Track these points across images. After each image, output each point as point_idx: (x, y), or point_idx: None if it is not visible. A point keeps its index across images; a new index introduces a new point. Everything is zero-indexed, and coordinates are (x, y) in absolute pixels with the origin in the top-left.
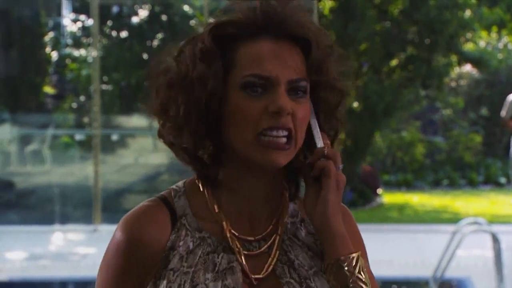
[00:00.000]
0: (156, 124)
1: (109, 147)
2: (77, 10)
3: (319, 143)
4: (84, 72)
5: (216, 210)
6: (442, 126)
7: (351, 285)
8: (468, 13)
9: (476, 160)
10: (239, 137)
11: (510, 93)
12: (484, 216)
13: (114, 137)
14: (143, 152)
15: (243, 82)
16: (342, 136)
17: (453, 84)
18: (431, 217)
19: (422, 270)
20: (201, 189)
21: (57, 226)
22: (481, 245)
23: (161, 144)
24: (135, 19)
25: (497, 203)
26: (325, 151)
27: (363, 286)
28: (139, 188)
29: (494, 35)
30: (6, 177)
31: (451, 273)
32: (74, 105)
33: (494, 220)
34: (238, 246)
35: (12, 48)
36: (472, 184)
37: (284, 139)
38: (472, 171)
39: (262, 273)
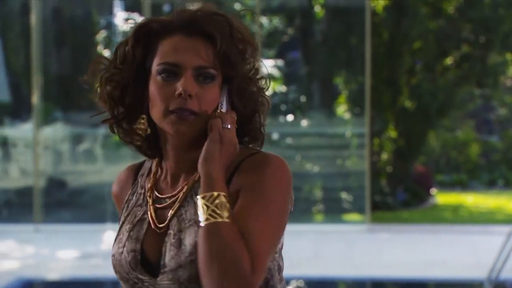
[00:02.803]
0: None
1: None
2: (129, 8)
3: (219, 109)
4: None
5: (147, 174)
6: (497, 125)
7: (208, 215)
8: None
9: None
10: (155, 115)
11: None
12: None
13: None
14: None
15: (157, 69)
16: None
17: (508, 82)
18: (486, 218)
19: (477, 271)
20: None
21: (109, 225)
22: None
23: None
24: None
25: None
26: (217, 113)
27: (218, 217)
28: None
29: None
30: (58, 176)
31: (506, 274)
32: None
33: None
34: (150, 201)
35: (64, 47)
36: None
37: (189, 115)
38: None
39: (165, 223)
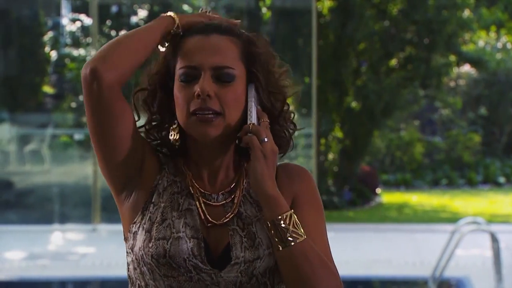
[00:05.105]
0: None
1: None
2: (76, 9)
3: (250, 120)
4: None
5: (183, 168)
6: (441, 126)
7: (289, 237)
8: (467, 13)
9: (475, 160)
10: (179, 119)
11: (508, 93)
12: (483, 216)
13: None
14: None
15: (179, 73)
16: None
17: (452, 84)
18: (430, 217)
19: (421, 269)
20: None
21: (56, 226)
22: (480, 244)
23: None
24: (134, 19)
25: (496, 203)
26: (250, 127)
27: (299, 236)
28: None
29: (492, 35)
30: (5, 177)
31: (450, 272)
32: (73, 104)
33: (492, 219)
34: (198, 193)
35: (11, 48)
36: (471, 184)
37: (211, 116)
38: (471, 170)
39: (219, 221)
